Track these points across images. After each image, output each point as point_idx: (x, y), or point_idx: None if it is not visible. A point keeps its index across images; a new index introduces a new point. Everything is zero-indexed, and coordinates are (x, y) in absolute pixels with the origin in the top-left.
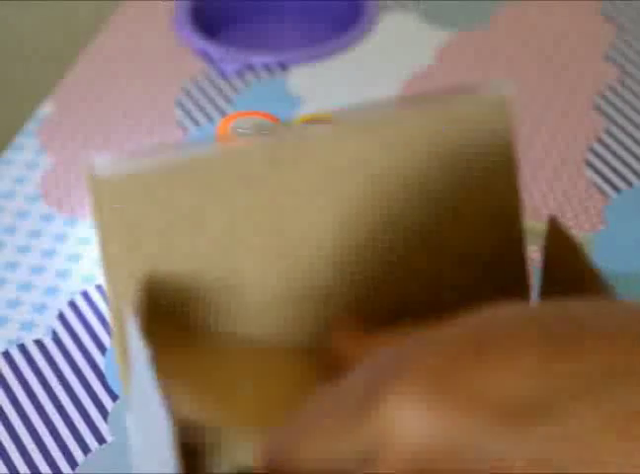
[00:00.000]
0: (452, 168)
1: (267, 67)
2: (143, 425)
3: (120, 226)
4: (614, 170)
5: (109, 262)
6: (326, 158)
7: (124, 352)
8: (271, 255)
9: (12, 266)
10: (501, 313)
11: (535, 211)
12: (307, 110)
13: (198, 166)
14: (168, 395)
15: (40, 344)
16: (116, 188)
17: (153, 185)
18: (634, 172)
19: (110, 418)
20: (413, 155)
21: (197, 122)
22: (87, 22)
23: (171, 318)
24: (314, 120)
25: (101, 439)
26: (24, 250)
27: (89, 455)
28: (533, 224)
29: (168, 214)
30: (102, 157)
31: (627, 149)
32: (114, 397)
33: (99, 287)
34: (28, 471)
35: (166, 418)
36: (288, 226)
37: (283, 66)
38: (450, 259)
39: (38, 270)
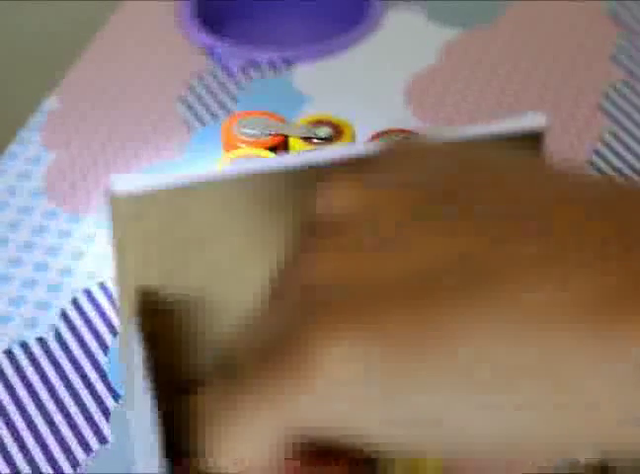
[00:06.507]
0: None
1: (272, 64)
2: (139, 424)
3: (135, 242)
4: (618, 172)
5: (122, 275)
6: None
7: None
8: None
9: (15, 262)
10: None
11: None
12: (312, 107)
13: (213, 186)
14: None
15: (42, 342)
16: (133, 206)
17: (168, 204)
18: (638, 174)
19: (112, 417)
20: None
21: (200, 119)
22: (92, 19)
23: (173, 324)
24: (318, 121)
25: (102, 439)
26: (27, 246)
27: (91, 455)
28: None
29: (181, 232)
30: (120, 175)
31: (631, 151)
32: (116, 396)
33: (102, 286)
34: (29, 470)
35: (154, 419)
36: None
37: (289, 63)
38: None
39: (41, 266)
